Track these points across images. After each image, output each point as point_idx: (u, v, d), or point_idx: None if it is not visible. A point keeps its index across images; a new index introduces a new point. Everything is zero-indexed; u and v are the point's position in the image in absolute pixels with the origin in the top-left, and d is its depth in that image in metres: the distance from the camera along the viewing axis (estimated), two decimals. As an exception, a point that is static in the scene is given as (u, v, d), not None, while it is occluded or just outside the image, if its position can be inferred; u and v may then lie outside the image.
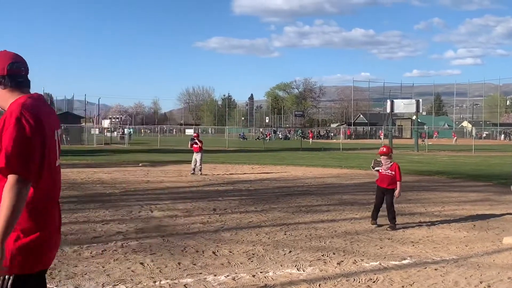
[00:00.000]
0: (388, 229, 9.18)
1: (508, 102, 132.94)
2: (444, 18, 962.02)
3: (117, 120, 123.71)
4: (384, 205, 9.48)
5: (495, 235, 8.86)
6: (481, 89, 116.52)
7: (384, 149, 9.61)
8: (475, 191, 15.36)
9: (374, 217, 9.59)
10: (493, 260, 7.13)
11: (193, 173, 19.41)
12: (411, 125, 75.03)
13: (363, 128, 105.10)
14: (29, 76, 3.08)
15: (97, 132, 68.73)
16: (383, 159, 9.54)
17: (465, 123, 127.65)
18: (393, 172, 9.37)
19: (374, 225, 9.45)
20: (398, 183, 9.32)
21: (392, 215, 9.34)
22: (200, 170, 19.48)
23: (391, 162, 9.48)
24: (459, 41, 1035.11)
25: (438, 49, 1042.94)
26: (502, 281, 6.14)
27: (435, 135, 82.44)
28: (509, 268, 6.70)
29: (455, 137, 78.38)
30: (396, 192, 9.32)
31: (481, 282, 6.07)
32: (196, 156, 19.61)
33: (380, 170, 9.55)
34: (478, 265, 6.85)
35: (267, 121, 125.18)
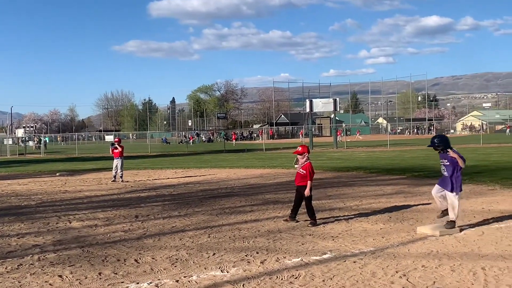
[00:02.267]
0: (309, 225, 9.40)
1: (419, 98, 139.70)
2: (357, 19, 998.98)
3: (31, 128, 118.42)
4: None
5: (410, 225, 9.29)
6: (394, 87, 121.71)
7: (300, 149, 9.81)
8: (390, 184, 16.03)
9: (291, 215, 9.88)
10: (408, 250, 7.48)
11: (113, 181, 18.94)
12: (330, 123, 77.11)
13: (285, 128, 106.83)
14: None
15: (10, 142, 65.41)
16: (299, 158, 9.77)
17: (380, 120, 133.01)
18: (305, 171, 9.60)
19: (292, 221, 9.73)
20: (308, 182, 9.55)
21: (311, 212, 9.57)
22: (121, 177, 19.03)
23: (305, 162, 9.70)
24: (372, 40, 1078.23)
25: (353, 49, 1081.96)
26: (417, 269, 6.45)
27: (357, 134, 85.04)
28: (423, 257, 7.05)
29: (358, 134, 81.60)
30: (306, 191, 9.52)
31: (397, 272, 6.34)
32: (117, 162, 19.14)
33: (296, 168, 9.82)
34: (394, 255, 7.16)
35: (190, 124, 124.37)
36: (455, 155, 8.51)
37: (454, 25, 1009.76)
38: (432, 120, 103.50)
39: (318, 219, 9.71)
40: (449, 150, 8.62)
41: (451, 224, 8.56)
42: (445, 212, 8.77)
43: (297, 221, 9.79)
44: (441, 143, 8.78)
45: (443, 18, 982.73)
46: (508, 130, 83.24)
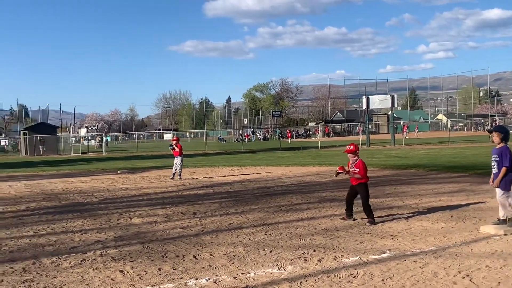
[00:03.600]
0: (367, 223, 9.25)
1: (481, 94, 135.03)
2: (415, 13, 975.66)
3: (93, 128, 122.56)
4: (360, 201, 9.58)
5: (472, 224, 8.99)
6: (455, 82, 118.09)
7: (351, 148, 9.64)
8: (451, 182, 15.56)
9: (347, 213, 9.79)
10: (471, 250, 7.23)
11: (172, 178, 19.30)
12: (387, 120, 75.75)
13: (341, 125, 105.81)
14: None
15: (73, 141, 67.97)
16: (350, 157, 9.61)
17: (440, 116, 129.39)
18: (358, 169, 9.44)
19: (349, 219, 9.64)
20: (360, 175, 9.42)
21: (368, 210, 9.41)
22: (180, 174, 19.38)
23: (357, 160, 9.54)
24: (431, 35, 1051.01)
25: (411, 44, 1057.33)
26: (480, 269, 6.22)
27: (416, 130, 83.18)
28: (486, 257, 6.79)
29: (417, 130, 79.09)
30: (352, 172, 9.44)
31: (459, 272, 6.14)
32: (176, 161, 19.50)
33: (345, 172, 9.63)
34: (456, 255, 6.94)
35: (245, 122, 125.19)
36: (506, 151, 8.13)
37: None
38: (494, 116, 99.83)
39: (376, 217, 9.54)
40: (504, 144, 8.23)
41: (509, 223, 8.22)
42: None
43: (354, 219, 9.67)
44: (504, 132, 8.39)
45: (505, 11, 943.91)
46: None
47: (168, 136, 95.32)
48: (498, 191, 8.33)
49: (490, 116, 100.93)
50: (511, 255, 6.84)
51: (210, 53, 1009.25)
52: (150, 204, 12.83)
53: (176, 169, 19.45)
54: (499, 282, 5.71)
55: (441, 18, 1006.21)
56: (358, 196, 9.63)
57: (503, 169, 8.13)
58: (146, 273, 6.51)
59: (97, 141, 68.49)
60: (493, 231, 8.16)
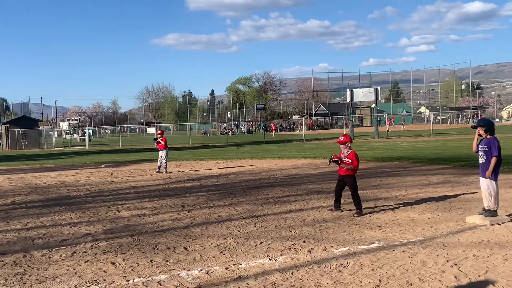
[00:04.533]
0: (355, 215, 9.36)
1: (463, 87, 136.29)
2: (397, 6, 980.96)
3: (75, 121, 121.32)
4: (348, 193, 9.67)
5: (458, 215, 9.14)
6: (437, 75, 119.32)
7: (342, 138, 9.75)
8: (436, 174, 15.76)
9: (335, 205, 9.88)
10: (458, 239, 7.36)
11: (158, 171, 19.27)
12: (371, 113, 76.19)
13: (324, 118, 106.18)
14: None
15: (56, 135, 67.29)
16: (342, 147, 9.70)
17: (422, 109, 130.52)
18: (350, 160, 9.53)
19: (337, 211, 9.73)
20: (352, 166, 9.51)
21: (357, 201, 9.52)
22: (165, 167, 19.35)
23: (349, 151, 9.64)
24: (413, 28, 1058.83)
25: (393, 37, 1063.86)
26: (468, 258, 6.35)
27: (392, 121, 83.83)
28: (473, 246, 6.93)
29: (404, 122, 79.81)
30: (343, 165, 9.51)
31: (447, 261, 6.27)
32: (161, 154, 19.45)
33: (340, 162, 9.69)
34: (443, 244, 7.07)
35: (229, 116, 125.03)
36: (494, 141, 8.28)
37: (498, 11, 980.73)
38: (476, 108, 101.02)
39: (364, 208, 9.65)
40: (490, 136, 8.40)
41: (492, 212, 8.39)
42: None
43: (342, 211, 9.78)
44: (488, 125, 8.52)
45: (487, 4, 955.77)
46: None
47: (151, 130, 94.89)
48: (483, 181, 8.48)
49: (472, 108, 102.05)
50: (497, 244, 6.99)
51: (193, 46, 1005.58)
52: (137, 197, 12.80)
53: (162, 162, 19.41)
54: (486, 271, 5.84)
55: (423, 11, 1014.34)
56: (346, 187, 9.72)
57: (493, 159, 8.26)
58: (138, 265, 6.53)
59: (80, 135, 67.88)
60: (479, 221, 8.31)
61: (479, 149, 8.52)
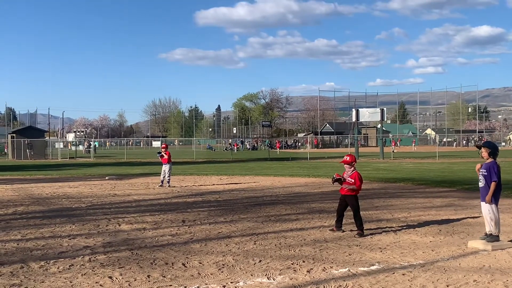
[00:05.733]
0: (356, 236, 9.29)
1: (469, 109, 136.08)
2: (405, 28, 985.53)
3: (82, 133, 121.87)
4: (351, 213, 9.61)
5: (460, 239, 9.05)
6: (444, 97, 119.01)
7: (348, 158, 9.71)
8: (440, 196, 15.66)
9: (337, 225, 9.81)
10: (459, 264, 7.28)
11: (161, 185, 19.24)
12: (376, 134, 76.13)
13: (330, 137, 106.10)
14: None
15: (61, 146, 67.54)
16: (346, 167, 9.66)
17: (428, 131, 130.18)
18: (353, 180, 9.49)
19: (338, 231, 9.64)
20: (355, 186, 9.46)
21: (359, 222, 9.46)
22: (168, 182, 19.33)
23: (353, 171, 9.60)
24: (420, 50, 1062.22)
25: (400, 58, 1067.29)
26: (468, 284, 6.27)
27: (398, 142, 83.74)
28: (474, 271, 6.85)
29: (414, 144, 79.96)
30: (345, 185, 9.46)
31: (447, 286, 6.19)
32: (165, 168, 19.45)
33: (342, 180, 9.65)
34: (444, 269, 6.99)
35: (234, 131, 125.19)
36: (487, 169, 8.28)
37: (505, 35, 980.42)
38: (482, 132, 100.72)
39: (365, 230, 9.58)
40: (492, 159, 8.35)
41: (494, 237, 8.31)
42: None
43: (343, 231, 9.71)
44: (493, 148, 8.48)
45: (494, 28, 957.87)
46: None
47: (156, 143, 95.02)
48: (484, 206, 8.41)
49: (478, 132, 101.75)
50: (498, 270, 6.90)
51: (200, 61, 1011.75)
52: (138, 211, 12.77)
53: (165, 176, 19.40)
54: (486, 297, 5.76)
55: (431, 34, 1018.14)
56: (348, 207, 9.67)
57: (493, 184, 8.20)
58: (135, 280, 6.48)
59: (85, 147, 68.08)
60: (481, 246, 8.23)
61: (479, 173, 8.46)
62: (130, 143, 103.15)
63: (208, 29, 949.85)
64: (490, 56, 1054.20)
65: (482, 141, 8.81)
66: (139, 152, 73.41)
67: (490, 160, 8.39)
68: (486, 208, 8.37)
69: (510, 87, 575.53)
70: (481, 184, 8.45)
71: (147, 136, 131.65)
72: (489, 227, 8.38)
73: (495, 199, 8.29)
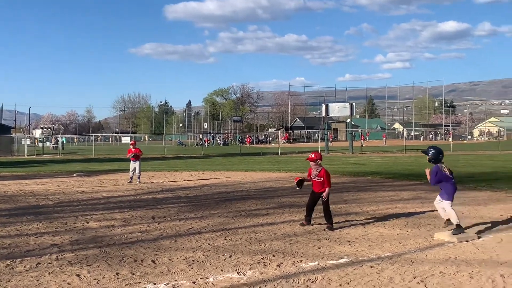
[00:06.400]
0: (326, 229, 9.37)
1: (436, 104, 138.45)
2: (373, 23, 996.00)
3: (49, 129, 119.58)
4: (320, 207, 9.68)
5: (427, 231, 9.22)
6: (411, 92, 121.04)
7: (313, 155, 9.67)
8: (407, 190, 15.91)
9: (306, 219, 9.87)
10: (426, 256, 7.42)
11: (130, 182, 19.05)
12: (346, 128, 76.84)
13: (300, 132, 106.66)
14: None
15: (28, 142, 66.17)
16: (312, 165, 9.67)
17: (396, 125, 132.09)
18: (322, 178, 9.55)
19: (308, 225, 9.73)
20: (326, 188, 9.51)
21: (328, 216, 9.54)
22: (139, 178, 19.15)
23: (319, 168, 9.62)
24: (388, 45, 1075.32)
25: (369, 54, 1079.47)
26: (434, 275, 6.40)
27: (367, 136, 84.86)
28: (440, 263, 6.99)
29: (385, 138, 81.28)
30: (324, 195, 9.48)
31: (414, 277, 6.30)
32: (135, 164, 19.24)
33: (312, 178, 9.71)
34: (411, 261, 7.11)
35: (205, 127, 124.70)
36: (430, 173, 8.98)
37: (471, 31, 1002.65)
38: (449, 126, 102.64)
39: (335, 223, 9.68)
40: (434, 164, 9.03)
41: (458, 229, 8.56)
42: (448, 222, 8.85)
43: (313, 225, 9.78)
44: (428, 154, 9.32)
45: (460, 24, 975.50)
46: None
47: (126, 139, 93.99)
48: (437, 203, 8.93)
49: (445, 126, 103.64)
50: (464, 261, 7.06)
51: (170, 56, 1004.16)
52: (107, 208, 12.63)
53: (134, 173, 19.22)
54: (452, 288, 5.89)
55: (399, 29, 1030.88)
56: (319, 202, 9.73)
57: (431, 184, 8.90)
58: (104, 278, 6.42)
59: (52, 143, 66.88)
60: (447, 238, 8.40)
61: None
62: (99, 139, 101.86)
63: (177, 24, 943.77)
64: (456, 51, 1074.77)
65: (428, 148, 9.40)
66: (108, 148, 72.52)
67: (432, 165, 8.97)
68: (440, 206, 8.86)
69: (476, 81, 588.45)
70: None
71: (116, 132, 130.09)
72: (454, 219, 8.57)
73: (447, 195, 8.71)
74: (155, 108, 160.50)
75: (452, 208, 8.69)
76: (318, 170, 9.59)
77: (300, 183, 9.88)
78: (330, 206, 9.76)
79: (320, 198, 9.59)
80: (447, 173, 8.78)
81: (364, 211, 11.66)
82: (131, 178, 19.25)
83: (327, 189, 9.47)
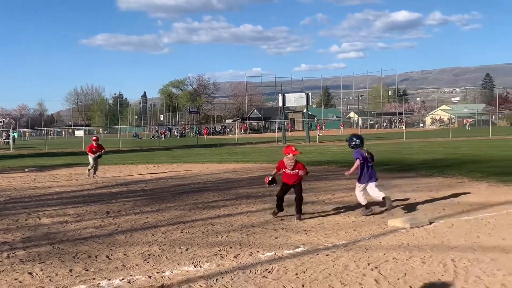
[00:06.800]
0: (296, 220, 9.33)
1: (390, 93, 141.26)
2: (327, 13, 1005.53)
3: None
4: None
5: (381, 218, 9.41)
6: (365, 81, 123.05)
7: (296, 150, 9.57)
8: (363, 178, 16.13)
9: (279, 209, 9.71)
10: (380, 242, 7.57)
11: (94, 175, 18.58)
12: (303, 118, 77.50)
13: (258, 122, 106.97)
14: None
15: (-23, 137, 63.94)
16: (288, 159, 9.58)
17: (352, 114, 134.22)
18: (297, 171, 9.53)
19: (280, 213, 9.64)
20: (303, 172, 9.63)
21: (300, 207, 9.55)
22: (95, 172, 18.76)
23: (296, 162, 9.58)
24: (343, 35, 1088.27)
25: (324, 44, 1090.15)
26: (388, 261, 6.53)
27: (323, 125, 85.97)
28: (394, 249, 7.14)
29: (342, 127, 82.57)
30: (301, 174, 9.60)
31: (368, 264, 6.42)
32: (96, 160, 18.82)
33: (285, 171, 9.68)
34: (366, 248, 7.24)
35: (161, 119, 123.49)
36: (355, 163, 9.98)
37: (423, 20, 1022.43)
38: (402, 114, 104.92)
39: (292, 214, 9.75)
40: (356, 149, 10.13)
41: (366, 210, 9.67)
42: (387, 199, 9.71)
43: (286, 212, 9.73)
44: (348, 141, 10.51)
45: (412, 13, 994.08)
46: (468, 124, 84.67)
47: (79, 133, 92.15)
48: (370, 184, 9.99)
49: (398, 114, 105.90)
50: (416, 247, 7.23)
51: (124, 47, 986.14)
52: (60, 204, 12.34)
53: (94, 166, 18.80)
54: (405, 273, 6.02)
55: (352, 19, 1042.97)
56: (288, 192, 9.68)
57: (356, 161, 9.98)
58: (57, 275, 6.27)
59: (3, 138, 64.87)
60: (400, 225, 8.59)
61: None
62: (52, 133, 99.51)
63: (130, 14, 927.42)
64: (408, 40, 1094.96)
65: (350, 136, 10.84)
66: (61, 142, 70.92)
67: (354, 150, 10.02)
68: (369, 192, 9.98)
69: (428, 70, 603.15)
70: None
71: (69, 125, 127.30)
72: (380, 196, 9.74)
73: (360, 178, 10.00)
74: (109, 100, 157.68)
75: (361, 191, 9.93)
76: (294, 164, 9.55)
77: (272, 181, 9.83)
78: (287, 196, 9.79)
79: (293, 188, 9.59)
80: (368, 156, 9.97)
81: (320, 200, 11.80)
82: (95, 172, 18.72)
83: (303, 172, 9.60)
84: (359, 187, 9.97)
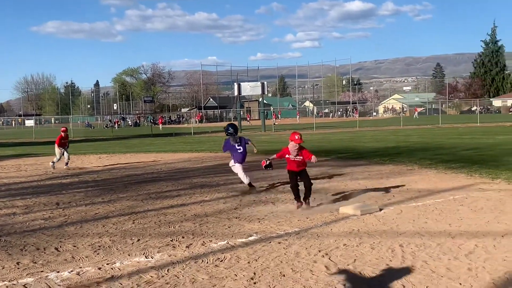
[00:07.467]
0: (305, 206, 9.21)
1: (344, 82, 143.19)
2: (283, 2, 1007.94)
3: None
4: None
5: (333, 205, 9.54)
6: (320, 71, 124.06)
7: (300, 138, 9.44)
8: (316, 165, 16.26)
9: (298, 199, 9.45)
10: (331, 229, 7.68)
11: (66, 165, 17.90)
12: (258, 107, 77.68)
13: (214, 111, 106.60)
14: None
15: None
16: (293, 145, 9.41)
17: (307, 103, 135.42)
18: (301, 157, 9.40)
19: (302, 206, 9.32)
20: (313, 156, 9.35)
21: (310, 193, 9.43)
22: (53, 163, 18.01)
23: (301, 149, 9.47)
24: (298, 25, 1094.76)
25: (279, 33, 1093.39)
26: (338, 248, 6.64)
27: (279, 114, 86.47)
28: (344, 236, 7.26)
29: (298, 116, 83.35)
30: (314, 159, 9.33)
31: (319, 251, 6.51)
32: (63, 151, 18.19)
33: (289, 157, 9.55)
34: (317, 235, 7.34)
35: (115, 108, 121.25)
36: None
37: (376, 11, 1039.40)
38: (356, 103, 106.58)
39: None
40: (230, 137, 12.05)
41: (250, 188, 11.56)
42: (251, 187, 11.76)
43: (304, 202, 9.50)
44: (225, 130, 12.32)
45: (366, 3, 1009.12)
46: (416, 113, 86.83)
47: (30, 122, 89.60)
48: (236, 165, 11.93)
49: (352, 103, 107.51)
50: (366, 233, 7.38)
51: (75, 34, 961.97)
52: (8, 195, 11.99)
53: (67, 157, 18.17)
54: (355, 259, 6.13)
55: (308, 8, 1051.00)
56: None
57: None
58: (3, 268, 6.10)
59: None
60: (351, 212, 8.74)
61: None
62: (0, 122, 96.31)
63: (82, 1, 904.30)
64: (362, 30, 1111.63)
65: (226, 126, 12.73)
66: (11, 132, 68.80)
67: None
68: (234, 170, 12.09)
69: (381, 60, 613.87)
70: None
71: (19, 115, 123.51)
72: (245, 181, 11.75)
73: (235, 161, 11.93)
74: (60, 89, 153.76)
75: (243, 172, 11.81)
76: (299, 151, 9.41)
77: (269, 165, 9.82)
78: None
79: (299, 176, 9.46)
80: (235, 144, 11.92)
81: (274, 189, 11.86)
82: (67, 163, 18.06)
83: (313, 156, 9.34)
84: (240, 167, 11.93)
